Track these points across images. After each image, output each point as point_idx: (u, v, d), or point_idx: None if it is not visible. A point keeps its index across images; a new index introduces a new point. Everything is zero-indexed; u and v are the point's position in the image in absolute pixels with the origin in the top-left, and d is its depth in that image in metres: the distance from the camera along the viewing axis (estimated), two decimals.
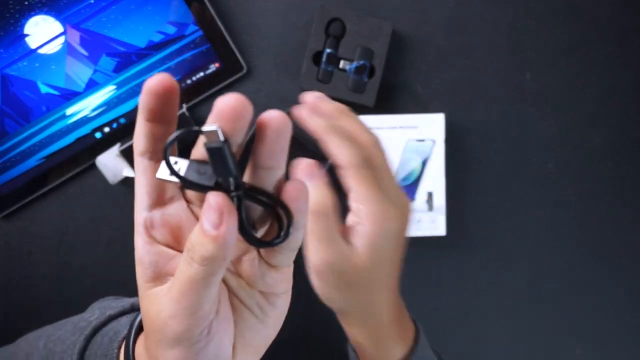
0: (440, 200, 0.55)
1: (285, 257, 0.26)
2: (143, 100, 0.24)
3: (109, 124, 0.56)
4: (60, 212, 0.57)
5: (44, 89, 0.54)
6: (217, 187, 0.23)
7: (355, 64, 0.55)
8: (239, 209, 0.23)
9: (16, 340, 0.38)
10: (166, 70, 0.56)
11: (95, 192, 0.57)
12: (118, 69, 0.55)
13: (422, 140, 0.55)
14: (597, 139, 0.60)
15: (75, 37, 0.54)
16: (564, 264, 0.60)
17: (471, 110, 0.59)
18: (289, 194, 0.24)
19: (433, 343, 0.60)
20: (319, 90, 0.56)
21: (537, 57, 0.59)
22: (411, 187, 0.55)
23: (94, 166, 0.57)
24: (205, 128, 0.23)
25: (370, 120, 0.54)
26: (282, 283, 0.27)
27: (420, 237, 0.56)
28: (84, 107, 0.55)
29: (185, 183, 0.23)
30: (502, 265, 0.60)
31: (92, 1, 0.54)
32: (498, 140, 0.59)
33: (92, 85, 0.55)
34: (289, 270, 0.27)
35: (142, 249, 0.25)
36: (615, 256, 0.60)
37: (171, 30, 0.55)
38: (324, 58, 0.55)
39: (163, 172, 0.24)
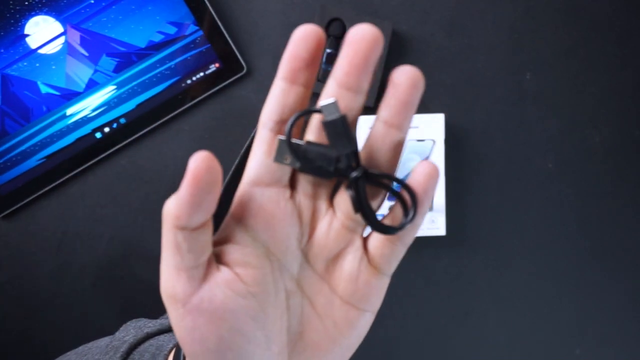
0: (440, 200, 0.55)
1: (395, 252, 0.24)
2: (290, 52, 0.22)
3: (109, 124, 0.56)
4: (60, 212, 0.57)
5: (44, 89, 0.54)
6: (336, 171, 0.22)
7: None
8: (360, 190, 0.22)
9: None
10: (166, 70, 0.56)
11: (96, 192, 0.57)
12: (118, 69, 0.55)
13: (422, 140, 0.55)
14: (597, 139, 0.60)
15: (75, 37, 0.54)
16: (564, 264, 0.60)
17: (471, 110, 0.59)
18: (418, 175, 0.23)
19: (433, 343, 0.60)
20: (319, 89, 0.56)
21: (537, 57, 0.59)
22: None
23: (94, 166, 0.57)
24: (322, 103, 0.22)
25: (371, 121, 0.54)
26: (373, 295, 0.25)
27: (420, 237, 0.56)
28: (84, 107, 0.55)
29: (305, 168, 0.22)
30: (502, 265, 0.60)
31: (93, 1, 0.54)
32: (498, 140, 0.59)
33: (93, 85, 0.55)
34: (385, 283, 0.25)
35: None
36: (615, 256, 0.60)
37: (171, 30, 0.55)
38: (324, 58, 0.55)
39: (280, 155, 0.22)
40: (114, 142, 0.56)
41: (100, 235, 0.58)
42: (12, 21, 0.53)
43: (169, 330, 0.35)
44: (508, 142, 0.59)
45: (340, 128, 0.21)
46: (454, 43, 0.58)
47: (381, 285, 0.25)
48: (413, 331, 0.60)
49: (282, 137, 0.22)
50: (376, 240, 0.24)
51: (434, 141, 0.55)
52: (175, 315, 0.22)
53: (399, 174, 0.55)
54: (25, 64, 0.54)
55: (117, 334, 0.36)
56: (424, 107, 0.58)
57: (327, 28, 0.56)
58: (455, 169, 0.58)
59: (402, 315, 0.59)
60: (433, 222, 0.55)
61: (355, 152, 0.22)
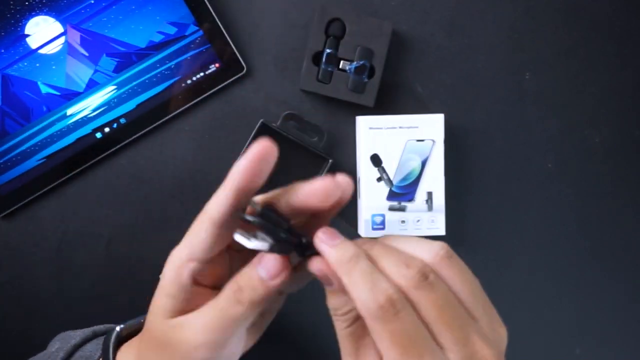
0: (439, 200, 0.55)
1: (302, 284, 0.30)
2: (245, 167, 0.26)
3: (109, 124, 0.56)
4: (60, 212, 0.57)
5: (44, 89, 0.55)
6: (288, 247, 0.27)
7: (355, 64, 0.55)
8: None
9: None
10: (166, 70, 0.56)
11: (96, 192, 0.57)
12: (118, 69, 0.55)
13: (422, 140, 0.55)
14: (597, 139, 0.60)
15: (75, 37, 0.54)
16: (564, 263, 0.60)
17: (471, 110, 0.59)
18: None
19: None
20: (319, 90, 0.56)
21: (537, 57, 0.59)
22: (411, 187, 0.55)
23: (94, 166, 0.57)
24: (248, 214, 0.27)
25: (371, 121, 0.55)
26: (278, 305, 0.32)
27: (419, 237, 0.56)
28: (85, 107, 0.55)
29: (272, 249, 0.27)
30: (502, 265, 0.60)
31: (93, 1, 0.54)
32: (498, 140, 0.59)
33: (93, 86, 0.55)
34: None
35: (180, 287, 0.28)
36: (615, 256, 0.60)
37: (171, 30, 0.55)
38: (323, 58, 0.55)
39: (241, 238, 0.27)
40: (114, 142, 0.56)
41: (100, 235, 0.58)
42: (12, 21, 0.53)
43: (92, 337, 0.39)
44: (508, 142, 0.59)
45: (267, 219, 0.27)
46: (454, 43, 0.58)
47: (284, 298, 0.34)
48: None
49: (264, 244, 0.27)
50: None
51: (433, 141, 0.55)
52: None
53: (399, 174, 0.55)
54: (25, 64, 0.54)
55: (46, 350, 0.40)
56: (424, 107, 0.58)
57: (327, 28, 0.56)
58: (455, 169, 0.59)
59: None
60: (433, 222, 0.55)
61: (285, 237, 0.27)
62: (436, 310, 0.25)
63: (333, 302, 0.27)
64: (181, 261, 0.28)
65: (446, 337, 0.25)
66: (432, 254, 0.27)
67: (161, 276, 0.29)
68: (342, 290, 0.26)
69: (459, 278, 0.27)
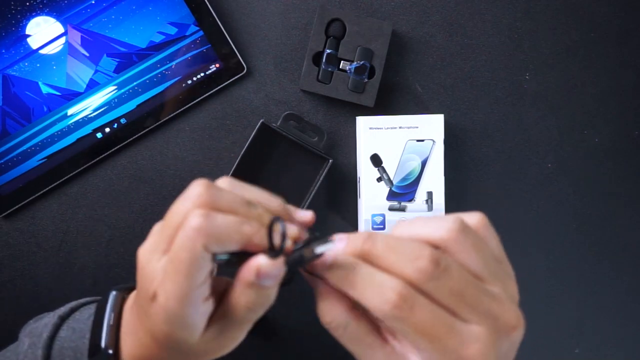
0: (439, 200, 0.55)
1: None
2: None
3: (109, 124, 0.56)
4: (61, 212, 0.57)
5: (45, 90, 0.55)
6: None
7: (355, 64, 0.55)
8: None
9: None
10: (167, 70, 0.56)
11: (96, 192, 0.57)
12: (119, 70, 0.55)
13: (422, 141, 0.55)
14: (597, 138, 0.60)
15: (76, 37, 0.54)
16: (564, 263, 0.60)
17: (471, 111, 0.59)
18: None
19: None
20: (319, 90, 0.56)
21: (537, 57, 0.59)
22: (411, 187, 0.55)
23: (95, 166, 0.57)
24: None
25: (371, 121, 0.55)
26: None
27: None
28: (85, 108, 0.55)
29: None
30: None
31: (93, 2, 0.54)
32: (498, 140, 0.59)
33: (93, 86, 0.55)
34: None
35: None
36: (615, 256, 0.60)
37: (172, 30, 0.55)
38: (324, 58, 0.55)
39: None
40: (114, 142, 0.56)
41: (101, 235, 0.58)
42: (13, 22, 0.53)
43: (61, 323, 0.36)
44: (508, 142, 0.59)
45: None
46: (454, 43, 0.58)
47: None
48: None
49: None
50: None
51: (433, 141, 0.55)
52: None
53: (399, 173, 0.55)
54: (26, 64, 0.54)
55: (19, 347, 0.36)
56: (424, 107, 0.58)
57: (327, 28, 0.56)
58: (454, 169, 0.59)
59: None
60: None
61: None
62: (454, 296, 0.25)
63: (325, 317, 0.28)
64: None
65: (469, 314, 0.26)
66: (443, 232, 0.26)
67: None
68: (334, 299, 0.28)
69: (473, 253, 0.26)
